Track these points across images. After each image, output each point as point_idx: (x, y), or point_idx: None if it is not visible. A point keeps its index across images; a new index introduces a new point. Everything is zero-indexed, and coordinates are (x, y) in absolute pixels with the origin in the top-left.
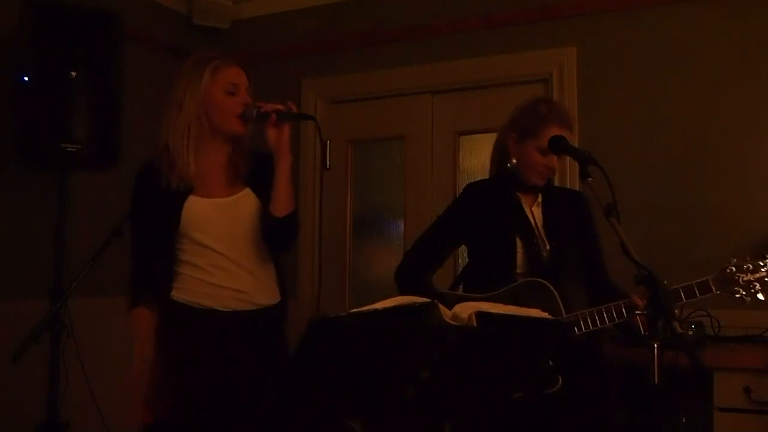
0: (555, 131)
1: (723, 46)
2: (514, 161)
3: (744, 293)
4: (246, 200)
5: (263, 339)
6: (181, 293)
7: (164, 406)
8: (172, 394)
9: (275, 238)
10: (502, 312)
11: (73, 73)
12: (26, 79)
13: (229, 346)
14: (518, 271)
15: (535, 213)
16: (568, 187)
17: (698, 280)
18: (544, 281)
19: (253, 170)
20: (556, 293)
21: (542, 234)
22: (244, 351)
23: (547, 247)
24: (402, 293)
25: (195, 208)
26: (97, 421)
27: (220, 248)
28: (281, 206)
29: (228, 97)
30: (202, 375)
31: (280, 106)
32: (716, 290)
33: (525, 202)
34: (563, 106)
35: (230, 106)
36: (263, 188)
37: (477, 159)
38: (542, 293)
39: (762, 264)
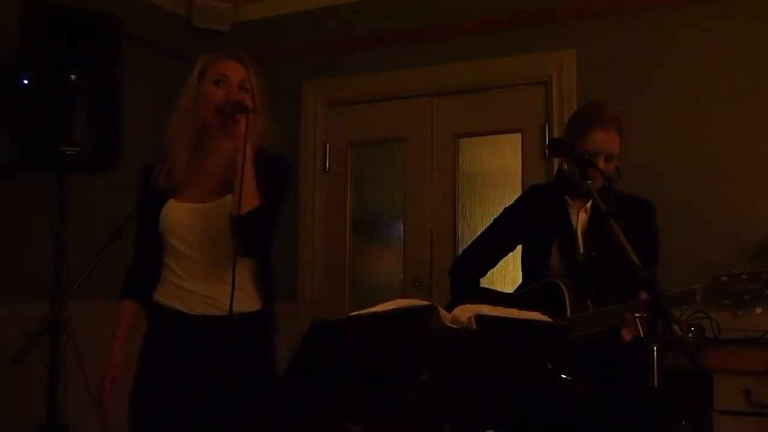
0: (599, 135)
1: (722, 47)
2: (566, 167)
3: (730, 303)
4: (226, 207)
5: (235, 345)
6: (159, 295)
7: (138, 403)
8: (144, 392)
9: (236, 239)
10: (501, 315)
11: (73, 76)
12: (26, 81)
13: (194, 348)
14: (553, 273)
15: (580, 217)
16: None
17: (685, 289)
18: (558, 282)
19: (256, 174)
20: (566, 295)
21: (581, 239)
22: (211, 355)
23: (581, 251)
24: (452, 290)
25: (170, 212)
26: (97, 423)
27: (192, 254)
28: (236, 205)
29: (214, 88)
30: (167, 375)
31: (240, 99)
32: (702, 301)
33: (574, 206)
34: (608, 109)
35: (213, 96)
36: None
37: (477, 161)
38: (553, 294)
39: (759, 274)
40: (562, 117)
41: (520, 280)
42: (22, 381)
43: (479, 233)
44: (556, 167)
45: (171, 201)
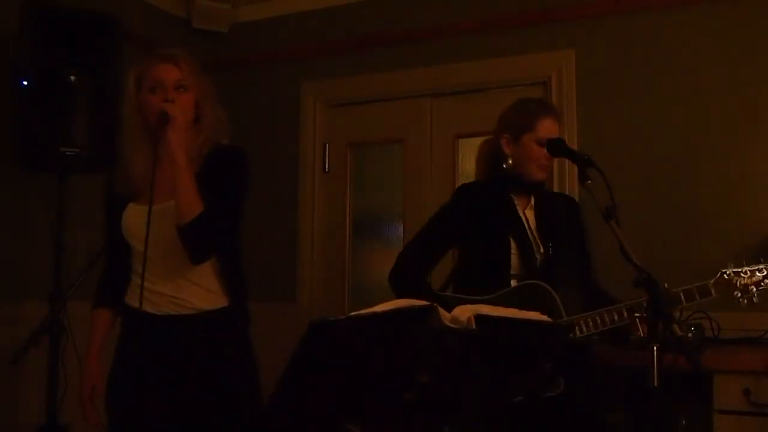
0: (549, 122)
1: (720, 49)
2: (510, 162)
3: (740, 296)
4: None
5: (207, 342)
6: (129, 298)
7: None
8: (118, 394)
9: (185, 247)
10: (501, 315)
11: (73, 77)
12: (25, 83)
13: (165, 348)
14: (512, 273)
15: (528, 216)
16: (565, 192)
17: (698, 284)
18: (543, 284)
19: (204, 170)
20: (555, 296)
21: (536, 237)
22: (182, 354)
23: (541, 249)
24: (399, 296)
25: (130, 216)
26: (97, 424)
27: (153, 256)
28: (178, 213)
29: (151, 96)
30: (140, 376)
31: (163, 109)
32: (715, 293)
33: (518, 204)
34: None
35: (152, 104)
36: (208, 187)
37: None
38: (542, 296)
39: (758, 269)
40: (562, 118)
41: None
42: (22, 381)
43: (415, 235)
44: (555, 167)
45: (130, 205)
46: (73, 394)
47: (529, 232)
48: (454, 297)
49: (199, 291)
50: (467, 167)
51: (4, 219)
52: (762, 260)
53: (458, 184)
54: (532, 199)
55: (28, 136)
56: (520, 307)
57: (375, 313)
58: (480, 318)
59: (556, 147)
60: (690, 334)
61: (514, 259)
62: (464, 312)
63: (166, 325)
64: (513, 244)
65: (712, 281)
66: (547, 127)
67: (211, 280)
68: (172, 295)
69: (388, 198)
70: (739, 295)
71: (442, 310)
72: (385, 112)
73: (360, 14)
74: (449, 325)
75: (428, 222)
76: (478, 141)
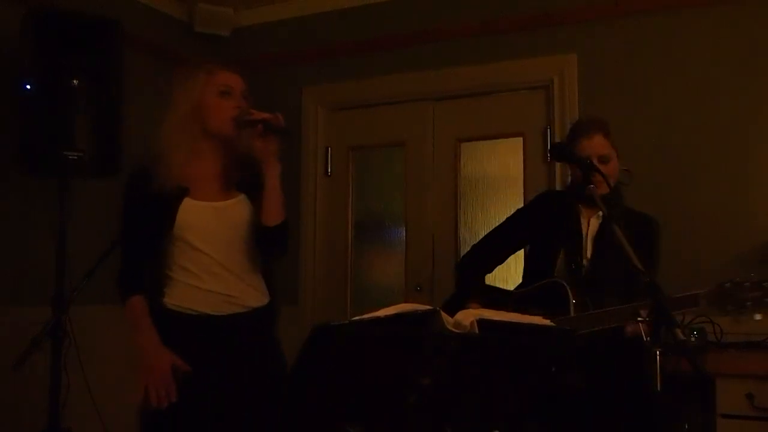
0: (585, 142)
1: (721, 52)
2: (571, 178)
3: (733, 309)
4: (241, 206)
5: (257, 340)
6: (172, 299)
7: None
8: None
9: (266, 246)
10: (503, 319)
11: (75, 81)
12: (28, 87)
13: (223, 349)
14: (556, 275)
15: (591, 224)
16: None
17: (688, 293)
18: (563, 282)
19: (247, 176)
20: (570, 294)
21: (590, 245)
22: (240, 352)
23: (588, 256)
24: (457, 282)
25: (190, 210)
26: (99, 429)
27: (212, 252)
28: (271, 216)
29: (222, 99)
30: (199, 378)
31: (268, 116)
32: (706, 305)
33: (585, 213)
34: (589, 117)
35: (224, 108)
36: (257, 195)
37: (478, 165)
38: (557, 293)
39: (761, 283)
40: (564, 121)
41: (519, 282)
42: (24, 386)
43: (491, 230)
44: (558, 172)
45: (188, 199)
46: (76, 398)
47: (585, 240)
48: (492, 289)
49: (249, 289)
50: (469, 171)
51: (5, 223)
52: (753, 275)
53: (460, 187)
54: (601, 211)
55: (29, 139)
56: (537, 303)
57: (378, 318)
58: (482, 322)
59: (558, 151)
60: (692, 338)
61: (560, 264)
62: (467, 316)
63: (222, 323)
64: (562, 250)
65: (705, 291)
66: (587, 146)
67: (258, 278)
68: (226, 294)
69: (390, 201)
70: (731, 308)
71: (445, 315)
72: (387, 116)
73: (362, 18)
74: (452, 329)
75: (505, 219)
76: (479, 144)
